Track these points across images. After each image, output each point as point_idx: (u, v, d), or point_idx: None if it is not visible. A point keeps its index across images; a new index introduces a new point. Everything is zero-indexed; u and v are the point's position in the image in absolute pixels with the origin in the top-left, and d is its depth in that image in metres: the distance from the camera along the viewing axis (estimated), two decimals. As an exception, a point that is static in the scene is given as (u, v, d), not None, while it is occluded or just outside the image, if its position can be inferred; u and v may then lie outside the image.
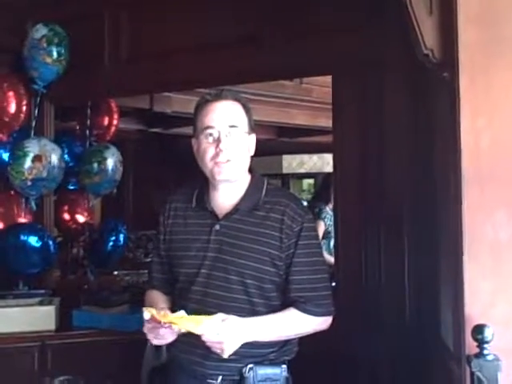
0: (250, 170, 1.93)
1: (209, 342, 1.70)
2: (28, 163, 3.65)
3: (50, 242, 3.82)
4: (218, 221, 1.85)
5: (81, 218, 4.51)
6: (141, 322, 3.17)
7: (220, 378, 1.82)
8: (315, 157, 9.67)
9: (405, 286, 2.54)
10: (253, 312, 1.81)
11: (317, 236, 1.92)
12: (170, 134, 7.07)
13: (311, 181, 10.62)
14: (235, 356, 1.74)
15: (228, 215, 1.85)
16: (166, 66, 3.56)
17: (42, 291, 3.51)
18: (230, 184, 1.86)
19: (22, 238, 3.68)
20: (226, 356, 1.70)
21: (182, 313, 1.75)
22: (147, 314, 1.74)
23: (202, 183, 1.94)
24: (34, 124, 3.89)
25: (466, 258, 1.68)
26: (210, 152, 1.81)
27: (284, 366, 1.85)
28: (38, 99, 3.91)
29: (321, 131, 6.58)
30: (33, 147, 3.68)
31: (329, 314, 1.85)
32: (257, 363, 1.80)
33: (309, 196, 10.69)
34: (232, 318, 1.71)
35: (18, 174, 3.68)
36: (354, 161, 2.92)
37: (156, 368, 2.90)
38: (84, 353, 3.10)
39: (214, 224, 1.85)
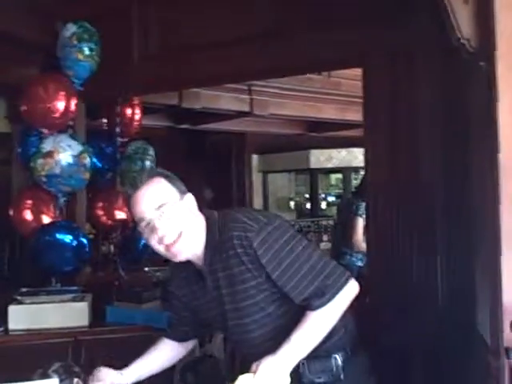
0: (202, 213, 1.90)
1: None
2: (40, 159, 3.69)
3: (84, 241, 3.85)
4: (206, 280, 1.88)
5: (119, 215, 4.53)
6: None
7: None
8: (344, 151, 9.61)
9: (437, 277, 2.51)
10: (277, 318, 1.85)
11: (276, 239, 1.79)
12: (198, 130, 7.10)
13: (339, 175, 10.57)
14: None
15: (207, 272, 1.87)
16: (195, 62, 3.56)
17: (75, 288, 3.54)
18: (193, 253, 1.86)
19: (57, 236, 3.72)
20: None
21: None
22: None
23: None
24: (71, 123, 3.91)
25: (504, 248, 1.65)
26: (154, 239, 1.80)
27: (337, 356, 1.84)
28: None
29: (350, 125, 6.55)
30: (47, 144, 3.71)
31: (339, 290, 1.77)
32: (308, 358, 1.78)
33: (337, 191, 10.67)
34: (263, 365, 1.70)
35: (34, 171, 3.73)
36: (386, 154, 2.88)
37: (188, 364, 2.93)
38: (117, 348, 3.12)
39: (206, 284, 1.89)
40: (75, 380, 1.82)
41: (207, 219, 1.87)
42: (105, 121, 4.84)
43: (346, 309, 1.82)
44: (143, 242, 4.32)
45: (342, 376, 1.84)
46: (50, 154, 3.68)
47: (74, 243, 3.76)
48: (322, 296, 1.75)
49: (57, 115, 3.73)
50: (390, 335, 2.43)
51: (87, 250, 3.87)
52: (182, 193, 1.83)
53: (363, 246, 4.43)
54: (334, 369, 1.83)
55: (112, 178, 4.68)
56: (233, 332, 1.93)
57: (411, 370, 2.41)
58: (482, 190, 1.91)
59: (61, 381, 1.88)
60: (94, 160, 4.12)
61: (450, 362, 2.29)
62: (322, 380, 1.83)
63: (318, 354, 1.80)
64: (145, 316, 3.33)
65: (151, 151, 4.67)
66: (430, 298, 2.53)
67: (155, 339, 2.95)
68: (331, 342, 1.83)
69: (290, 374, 1.74)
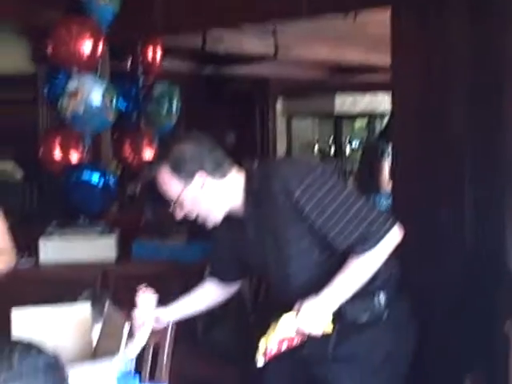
0: (240, 165, 1.92)
1: (298, 336, 1.77)
2: (66, 99, 3.73)
3: (111, 180, 3.91)
4: (247, 231, 1.91)
5: (145, 156, 4.58)
6: (198, 252, 3.30)
7: None
8: (369, 96, 9.49)
9: (464, 223, 2.50)
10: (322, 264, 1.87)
11: (319, 187, 1.78)
12: (222, 74, 7.05)
13: (364, 121, 10.48)
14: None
15: (249, 223, 1.89)
16: (218, 2, 3.52)
17: (102, 223, 3.63)
18: (225, 213, 1.89)
19: (84, 176, 3.79)
20: (320, 333, 1.77)
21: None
22: (261, 360, 1.78)
23: None
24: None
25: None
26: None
27: (380, 297, 1.86)
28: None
29: (376, 69, 6.46)
30: (72, 84, 3.74)
31: (382, 237, 1.78)
32: (351, 298, 1.81)
33: (361, 138, 10.60)
34: (305, 307, 1.75)
35: (61, 110, 3.78)
36: (414, 99, 2.81)
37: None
38: (144, 281, 3.19)
39: (248, 234, 1.91)
40: (106, 303, 1.88)
41: (246, 171, 1.89)
42: (128, 62, 4.84)
43: (391, 253, 1.82)
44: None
45: (384, 316, 1.86)
46: (75, 94, 3.71)
47: (101, 183, 3.82)
48: (366, 242, 1.77)
49: (84, 57, 3.76)
50: (417, 280, 2.45)
51: (114, 189, 3.94)
52: (190, 176, 1.82)
53: (389, 188, 4.44)
54: (377, 309, 1.86)
55: (137, 119, 4.71)
56: (274, 279, 1.96)
57: (437, 314, 2.43)
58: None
59: (92, 304, 1.94)
60: (119, 102, 4.16)
61: (477, 305, 2.29)
62: (363, 320, 1.85)
63: (362, 294, 1.82)
64: (170, 251, 3.41)
65: (177, 93, 4.66)
66: (456, 244, 2.51)
67: (181, 274, 3.04)
68: (375, 284, 1.85)
69: (333, 314, 1.78)
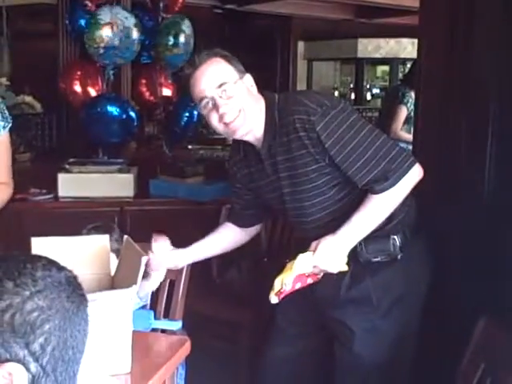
0: (261, 94, 1.87)
1: (314, 274, 1.77)
2: (99, 30, 3.67)
3: (133, 114, 3.89)
4: (264, 163, 1.88)
5: (162, 91, 4.53)
6: (214, 192, 3.31)
7: None
8: (392, 41, 9.31)
9: (485, 168, 2.46)
10: (332, 209, 1.86)
11: (340, 122, 1.76)
12: (244, 11, 6.93)
13: (386, 67, 10.31)
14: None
15: (266, 155, 1.86)
16: None
17: (121, 160, 3.63)
18: (250, 132, 1.84)
19: (106, 108, 3.77)
20: (336, 271, 1.77)
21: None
22: (274, 299, 1.77)
23: None
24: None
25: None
26: (214, 117, 1.79)
27: (395, 237, 1.85)
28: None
29: (401, 11, 6.29)
30: (104, 15, 3.68)
31: (402, 176, 1.76)
32: (367, 238, 1.80)
33: (383, 83, 10.44)
34: (322, 244, 1.75)
35: (91, 42, 3.72)
36: (441, 45, 2.73)
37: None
38: (161, 219, 3.23)
39: (264, 167, 1.88)
40: (125, 236, 1.89)
41: (267, 102, 1.85)
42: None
43: (409, 193, 1.81)
44: (186, 119, 4.37)
45: (399, 257, 1.86)
46: (109, 25, 3.67)
47: (123, 116, 3.80)
48: (386, 180, 1.75)
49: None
50: (431, 226, 2.44)
51: (135, 123, 3.92)
52: (241, 73, 1.82)
53: (400, 134, 4.39)
54: (392, 249, 1.85)
55: (154, 54, 4.63)
56: (291, 216, 1.94)
57: (449, 252, 2.43)
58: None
59: (110, 236, 1.94)
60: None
61: (489, 241, 2.29)
62: (378, 259, 1.85)
63: (377, 234, 1.82)
64: (187, 190, 3.41)
65: (186, 25, 4.47)
66: (475, 194, 2.49)
67: (198, 213, 3.04)
68: (391, 224, 1.85)
69: (348, 254, 1.78)
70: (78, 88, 3.93)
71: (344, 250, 1.77)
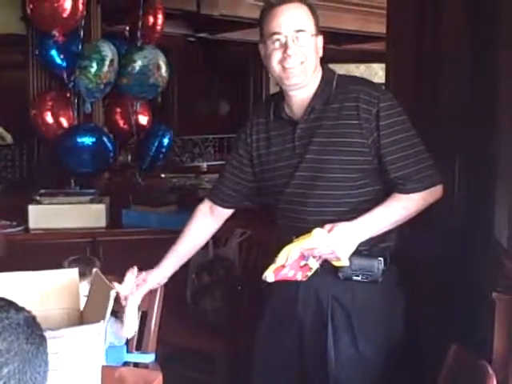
0: (321, 65, 1.89)
1: (323, 254, 1.73)
2: (106, 67, 3.67)
3: (109, 143, 3.88)
4: (296, 126, 1.86)
5: (140, 119, 4.52)
6: (187, 220, 3.29)
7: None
8: (363, 66, 9.42)
9: (454, 185, 2.49)
10: (336, 205, 1.82)
11: (399, 112, 1.81)
12: (216, 40, 6.97)
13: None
14: None
15: (304, 117, 1.85)
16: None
17: (93, 190, 3.60)
18: (302, 87, 1.84)
19: (82, 138, 3.75)
20: (344, 264, 1.75)
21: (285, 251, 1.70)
22: (271, 276, 1.69)
23: (277, 95, 1.94)
24: (83, 23, 3.86)
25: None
26: (277, 56, 1.79)
27: (380, 259, 1.84)
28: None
29: (371, 38, 6.40)
30: (106, 51, 3.69)
31: (433, 185, 1.80)
32: (353, 254, 1.78)
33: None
34: (339, 226, 1.72)
35: (95, 78, 3.70)
36: (408, 70, 2.78)
37: (203, 265, 3.01)
38: (134, 249, 3.20)
39: (295, 130, 1.86)
40: (94, 270, 1.87)
41: (325, 71, 1.87)
42: (124, 26, 4.76)
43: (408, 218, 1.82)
44: (155, 148, 4.37)
45: (380, 280, 1.84)
46: (112, 62, 3.68)
47: (99, 146, 3.79)
48: (419, 182, 1.78)
49: (64, 15, 3.68)
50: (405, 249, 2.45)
51: (111, 153, 3.91)
52: (318, 31, 1.82)
53: None
54: (376, 271, 1.84)
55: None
56: (291, 194, 1.87)
57: (424, 284, 2.43)
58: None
59: (80, 270, 1.92)
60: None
61: (463, 267, 2.31)
62: (358, 278, 1.83)
63: (368, 252, 1.81)
64: (160, 219, 3.39)
65: (140, 56, 4.42)
66: (445, 212, 2.51)
67: (171, 242, 3.00)
68: (384, 244, 1.85)
69: (332, 270, 1.76)
70: (49, 118, 3.91)
71: (358, 238, 1.74)
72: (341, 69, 9.45)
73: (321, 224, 1.74)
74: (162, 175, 4.46)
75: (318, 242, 1.69)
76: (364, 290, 1.85)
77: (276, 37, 1.78)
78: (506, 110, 2.03)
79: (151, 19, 4.57)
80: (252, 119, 2.00)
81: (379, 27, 4.45)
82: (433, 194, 1.82)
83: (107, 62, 3.70)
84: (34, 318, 0.82)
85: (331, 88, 1.83)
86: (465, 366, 1.36)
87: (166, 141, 4.52)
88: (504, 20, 2.08)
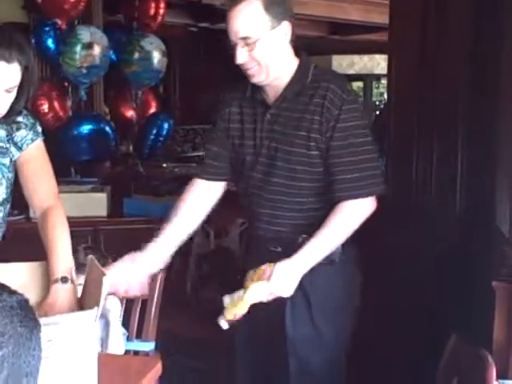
0: (297, 54, 1.88)
1: (269, 299, 1.75)
2: (81, 51, 3.65)
3: (109, 130, 3.87)
4: (268, 110, 1.87)
5: (129, 111, 4.52)
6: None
7: (279, 248, 1.89)
8: (366, 57, 9.40)
9: (457, 174, 2.48)
10: (298, 188, 1.86)
11: (358, 117, 1.82)
12: (218, 29, 6.94)
13: (360, 83, 10.39)
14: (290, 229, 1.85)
15: (276, 103, 1.87)
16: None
17: (94, 179, 3.59)
18: (270, 82, 1.85)
19: (78, 126, 3.74)
20: (289, 295, 1.76)
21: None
22: (225, 324, 1.76)
23: None
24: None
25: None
26: (235, 60, 1.81)
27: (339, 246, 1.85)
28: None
29: (374, 28, 6.36)
30: (84, 34, 3.67)
31: (371, 194, 1.81)
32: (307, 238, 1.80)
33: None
34: (276, 269, 1.73)
35: (73, 62, 3.70)
36: (411, 62, 2.76)
37: (204, 255, 3.02)
38: (135, 238, 3.18)
39: (265, 113, 1.88)
40: (89, 256, 1.85)
41: (303, 60, 1.86)
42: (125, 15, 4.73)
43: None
44: (153, 137, 4.35)
45: (337, 259, 1.85)
46: (90, 46, 3.66)
47: (100, 133, 3.78)
48: (360, 189, 1.79)
49: (69, 3, 3.68)
50: (403, 236, 2.45)
51: (112, 140, 3.89)
52: (278, 20, 1.78)
53: None
54: (334, 252, 1.84)
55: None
56: (252, 177, 1.91)
57: (423, 270, 2.43)
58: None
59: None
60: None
61: (468, 260, 2.30)
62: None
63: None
64: (161, 209, 3.37)
65: (147, 42, 4.45)
66: (448, 201, 2.50)
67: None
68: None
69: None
70: (46, 108, 3.89)
71: (300, 273, 1.76)
72: (344, 60, 9.43)
73: (276, 210, 1.85)
74: (164, 165, 4.45)
75: (259, 297, 1.71)
76: (323, 272, 1.85)
77: (232, 43, 1.79)
78: (507, 97, 2.02)
79: (153, 8, 4.55)
80: (229, 93, 2.00)
81: (382, 17, 4.43)
82: (369, 204, 1.82)
83: (83, 46, 3.68)
84: (26, 301, 0.81)
85: (305, 80, 1.84)
86: (464, 356, 1.36)
87: (165, 128, 4.51)
88: (508, 10, 2.06)
